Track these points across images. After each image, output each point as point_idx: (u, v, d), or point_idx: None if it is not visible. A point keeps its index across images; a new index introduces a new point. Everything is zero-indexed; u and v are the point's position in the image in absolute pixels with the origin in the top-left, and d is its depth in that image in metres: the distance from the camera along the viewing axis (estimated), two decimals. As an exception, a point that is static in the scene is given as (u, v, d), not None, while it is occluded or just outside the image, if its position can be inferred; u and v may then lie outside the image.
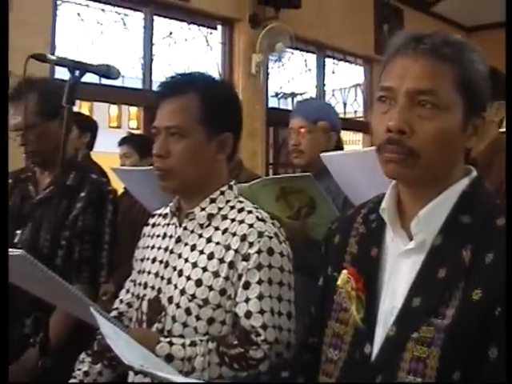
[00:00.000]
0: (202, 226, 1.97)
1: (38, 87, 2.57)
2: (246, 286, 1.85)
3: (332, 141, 3.14)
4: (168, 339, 1.82)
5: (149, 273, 2.05)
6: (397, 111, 1.39)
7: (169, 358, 1.78)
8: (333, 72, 9.50)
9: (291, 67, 8.84)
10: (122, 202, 4.44)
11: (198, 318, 1.88)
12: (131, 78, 7.10)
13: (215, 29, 7.83)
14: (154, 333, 1.90)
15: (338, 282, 1.50)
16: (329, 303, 1.57)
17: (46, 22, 5.93)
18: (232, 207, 1.98)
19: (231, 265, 1.87)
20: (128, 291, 2.23)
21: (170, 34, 7.33)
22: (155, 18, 7.17)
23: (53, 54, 5.80)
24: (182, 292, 1.91)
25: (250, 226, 1.89)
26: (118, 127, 9.49)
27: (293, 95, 8.95)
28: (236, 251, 1.87)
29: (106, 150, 6.55)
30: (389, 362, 1.37)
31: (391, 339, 1.39)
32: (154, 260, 2.06)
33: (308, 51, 9.07)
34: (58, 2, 6.21)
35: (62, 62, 1.96)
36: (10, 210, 2.61)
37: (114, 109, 9.59)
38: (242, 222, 1.91)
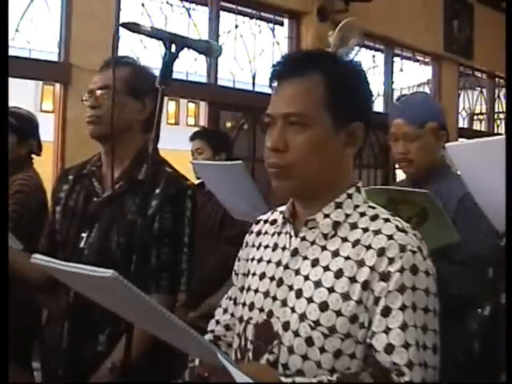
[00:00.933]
0: (325, 236, 1.62)
1: (134, 64, 2.35)
2: (386, 312, 1.49)
3: (442, 141, 2.77)
4: (290, 379, 1.47)
5: (256, 291, 1.71)
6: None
7: None
8: (401, 70, 9.18)
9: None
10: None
11: (322, 349, 1.53)
12: (194, 73, 6.91)
13: (281, 25, 7.61)
14: (272, 369, 1.56)
15: None
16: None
17: (110, 14, 5.73)
18: (362, 214, 1.63)
19: (365, 285, 1.51)
20: (226, 311, 1.90)
21: (236, 27, 7.13)
22: (221, 12, 6.99)
23: (117, 46, 5.63)
24: (302, 317, 1.56)
25: (389, 237, 1.54)
26: (176, 124, 9.34)
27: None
28: (372, 268, 1.52)
29: (165, 147, 6.36)
30: None
31: None
32: (262, 276, 1.71)
33: (376, 49, 8.77)
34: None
35: (157, 34, 1.66)
36: (72, 209, 2.34)
37: (172, 105, 9.44)
38: (377, 232, 1.56)
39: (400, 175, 7.45)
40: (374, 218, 1.60)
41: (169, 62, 1.65)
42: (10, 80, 6.26)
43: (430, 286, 1.52)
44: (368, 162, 8.48)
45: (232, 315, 1.85)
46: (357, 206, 1.64)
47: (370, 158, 8.46)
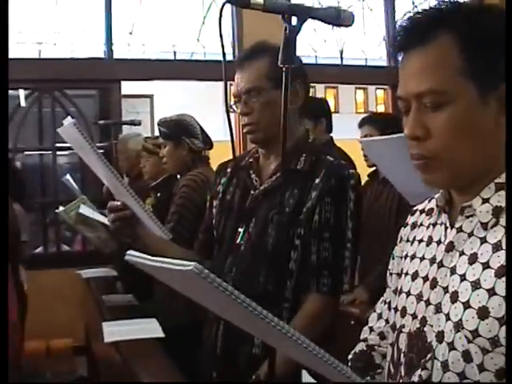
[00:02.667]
0: (485, 226, 1.32)
1: (272, 51, 2.04)
2: None
3: None
4: None
5: (408, 294, 1.46)
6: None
7: None
8: None
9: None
10: (366, 194, 4.07)
11: (481, 367, 1.25)
12: (375, 59, 6.69)
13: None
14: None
15: None
16: None
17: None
18: None
19: None
20: (380, 317, 1.67)
21: (414, 6, 6.80)
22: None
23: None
24: (458, 326, 1.29)
25: None
26: (366, 112, 9.16)
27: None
28: None
29: (354, 137, 6.28)
30: None
31: None
32: (415, 276, 1.46)
33: None
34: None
35: (273, 8, 1.47)
36: (229, 204, 2.25)
37: (360, 94, 9.28)
38: None
39: None
40: None
41: (290, 37, 1.47)
42: (199, 84, 6.43)
43: None
44: None
45: (387, 321, 1.62)
46: None
47: None
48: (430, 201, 1.54)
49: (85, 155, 2.28)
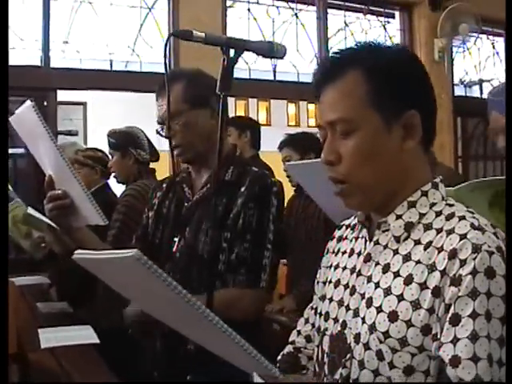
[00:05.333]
0: (397, 239, 1.47)
1: (186, 75, 2.30)
2: (455, 320, 1.31)
3: None
4: None
5: (331, 300, 1.60)
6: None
7: None
8: (524, 54, 8.75)
9: (477, 52, 8.20)
10: (294, 206, 4.25)
11: (391, 365, 1.40)
12: (307, 73, 6.88)
13: (393, 17, 7.45)
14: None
15: None
16: None
17: (217, 22, 5.84)
18: (438, 213, 1.45)
19: (436, 292, 1.34)
20: (307, 321, 1.81)
21: (346, 25, 7.02)
22: (329, 10, 6.93)
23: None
24: (372, 328, 1.43)
25: (462, 237, 1.35)
26: (297, 125, 9.34)
27: (480, 82, 8.31)
28: (443, 273, 1.34)
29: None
30: None
31: None
32: (337, 284, 1.61)
33: (495, 34, 8.40)
34: (228, 3, 6.12)
35: (212, 40, 1.61)
36: (165, 216, 2.40)
37: (292, 107, 9.45)
38: (451, 232, 1.38)
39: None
40: (450, 216, 1.44)
41: (228, 67, 1.61)
42: (135, 95, 6.48)
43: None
44: (493, 154, 8.15)
45: (313, 326, 1.75)
46: (433, 205, 1.48)
47: (496, 149, 8.10)
48: (355, 217, 1.68)
49: (33, 142, 2.30)
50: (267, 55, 1.67)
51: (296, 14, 6.68)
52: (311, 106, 8.59)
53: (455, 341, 1.30)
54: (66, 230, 2.29)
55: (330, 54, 1.55)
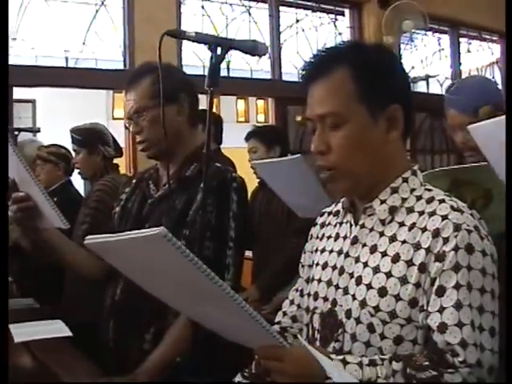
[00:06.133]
0: (383, 222, 1.62)
1: (155, 70, 2.19)
2: (440, 291, 1.47)
3: None
4: (341, 357, 1.49)
5: (319, 281, 1.73)
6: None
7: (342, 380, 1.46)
8: (468, 51, 9.01)
9: (424, 48, 8.41)
10: (258, 199, 4.31)
11: (382, 336, 1.54)
12: (258, 70, 6.96)
13: (343, 15, 7.58)
14: (322, 349, 1.56)
15: None
16: None
17: (171, 19, 5.86)
18: (419, 197, 1.61)
19: (422, 268, 1.50)
20: (292, 302, 1.92)
21: (297, 21, 7.14)
22: (281, 7, 7.06)
23: (180, 48, 5.74)
24: (363, 304, 1.57)
25: (444, 217, 1.52)
26: (246, 122, 9.40)
27: (427, 78, 8.51)
28: (427, 250, 1.51)
29: (235, 146, 6.45)
30: None
31: None
32: (325, 266, 1.74)
33: (441, 31, 8.63)
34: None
35: (202, 39, 1.68)
36: (128, 212, 2.40)
37: (241, 103, 9.49)
38: (432, 213, 1.55)
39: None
40: (430, 200, 1.59)
41: (215, 64, 1.67)
42: (83, 91, 6.45)
43: (487, 266, 1.49)
44: (440, 148, 8.38)
45: (298, 307, 1.87)
46: (413, 190, 1.63)
47: (442, 143, 8.33)
48: (336, 204, 1.83)
49: None
50: (251, 53, 1.74)
51: (249, 11, 6.76)
52: (260, 102, 8.66)
53: (441, 309, 1.46)
54: (32, 231, 2.27)
55: (318, 52, 1.67)
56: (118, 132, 4.82)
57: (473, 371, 1.42)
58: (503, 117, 2.27)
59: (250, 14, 6.77)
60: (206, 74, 1.69)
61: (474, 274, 1.47)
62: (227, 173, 2.27)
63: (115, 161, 3.89)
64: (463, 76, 8.82)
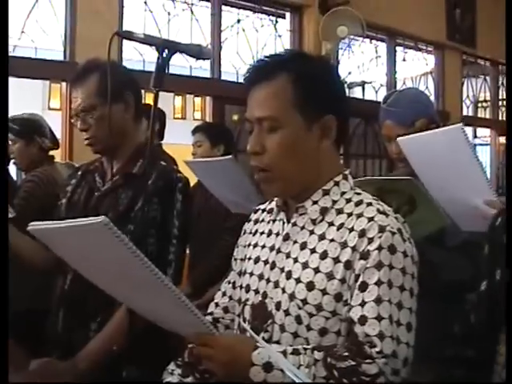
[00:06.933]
0: (314, 221, 1.73)
1: (101, 68, 2.29)
2: (363, 287, 1.60)
3: None
4: (268, 345, 1.60)
5: (251, 274, 1.82)
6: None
7: (267, 367, 1.56)
8: (403, 59, 9.24)
9: (361, 55, 8.60)
10: (197, 196, 4.33)
11: (308, 327, 1.65)
12: (198, 68, 6.99)
13: (283, 17, 7.68)
14: (249, 338, 1.66)
15: None
16: (498, 313, 1.35)
17: (114, 12, 5.85)
18: (348, 200, 1.73)
19: (348, 265, 1.62)
20: (225, 294, 2.00)
21: (238, 21, 7.21)
22: (223, 7, 7.10)
23: (121, 43, 5.74)
24: (292, 297, 1.67)
25: (370, 219, 1.64)
26: (183, 118, 9.40)
27: (363, 84, 8.70)
28: (353, 249, 1.63)
29: (171, 142, 6.46)
30: None
31: None
32: (257, 260, 1.83)
33: (378, 39, 8.83)
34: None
35: (150, 41, 1.76)
36: (75, 203, 2.43)
37: (178, 100, 9.49)
38: (360, 215, 1.66)
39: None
40: (359, 203, 1.71)
41: (162, 65, 1.76)
42: (18, 80, 6.38)
43: (407, 266, 1.62)
44: (373, 153, 8.58)
45: (230, 298, 1.96)
46: (344, 193, 1.74)
47: (375, 148, 8.53)
48: (270, 202, 1.93)
49: None
50: (196, 57, 1.83)
51: (191, 9, 6.80)
52: (197, 100, 8.67)
53: (363, 303, 1.58)
54: None
55: (262, 58, 1.77)
56: (54, 122, 4.81)
57: (388, 362, 1.54)
58: (432, 131, 2.39)
59: (192, 12, 6.80)
60: (149, 71, 1.76)
61: (394, 273, 1.60)
62: (173, 173, 2.37)
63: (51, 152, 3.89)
64: (398, 84, 9.06)
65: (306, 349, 1.58)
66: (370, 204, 1.70)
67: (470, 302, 1.54)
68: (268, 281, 1.75)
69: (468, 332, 1.50)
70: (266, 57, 1.78)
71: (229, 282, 2.00)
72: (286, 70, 1.70)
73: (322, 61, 1.85)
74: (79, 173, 2.53)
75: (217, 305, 2.00)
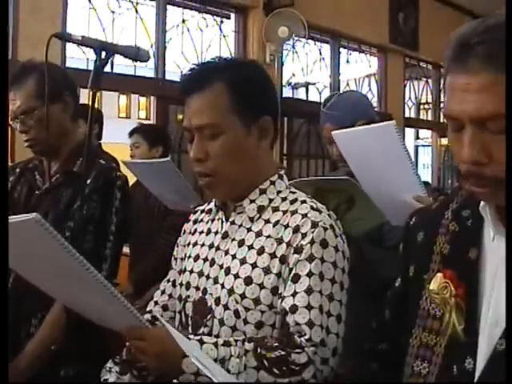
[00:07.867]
0: (251, 219, 1.79)
1: (38, 70, 2.28)
2: (295, 278, 1.67)
3: None
4: (198, 337, 1.66)
5: (191, 272, 1.88)
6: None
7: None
8: (347, 61, 9.37)
9: (305, 56, 8.69)
10: (136, 194, 4.34)
11: (245, 321, 1.71)
12: (143, 67, 6.98)
13: (228, 18, 7.71)
14: (178, 331, 1.69)
15: (432, 287, 1.36)
16: (411, 308, 1.40)
17: (57, 10, 5.80)
18: (284, 198, 1.80)
19: (283, 259, 1.69)
20: (164, 292, 2.04)
21: (183, 21, 7.22)
22: (168, 6, 7.10)
23: (64, 42, 5.69)
24: (230, 292, 1.73)
25: (304, 216, 1.71)
26: (128, 117, 9.36)
27: (307, 85, 8.79)
28: (288, 244, 1.70)
29: (116, 141, 6.44)
30: (497, 378, 1.20)
31: (500, 354, 1.21)
32: (196, 258, 1.88)
33: (322, 41, 8.93)
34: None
35: (88, 42, 1.79)
36: (16, 201, 2.42)
37: (123, 99, 9.44)
38: (294, 212, 1.74)
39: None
40: (294, 201, 1.78)
41: (99, 67, 1.78)
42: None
43: (338, 260, 1.70)
44: (316, 153, 8.66)
45: (170, 296, 2.00)
46: (279, 192, 1.81)
47: (318, 148, 8.61)
48: (208, 203, 1.98)
49: None
50: (133, 58, 1.86)
51: (135, 8, 6.78)
52: (142, 99, 8.64)
53: (294, 294, 1.65)
54: None
55: (195, 66, 1.81)
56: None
57: (317, 351, 1.61)
58: (365, 126, 2.45)
59: (136, 11, 6.78)
60: (91, 74, 1.77)
61: (326, 266, 1.67)
62: (112, 171, 2.42)
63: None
64: (342, 85, 9.18)
65: (236, 340, 1.64)
66: (304, 202, 1.77)
67: (386, 298, 1.60)
68: (208, 277, 1.81)
69: (382, 327, 1.56)
70: (199, 65, 1.83)
71: (168, 281, 2.04)
72: (221, 78, 1.75)
73: (253, 65, 1.92)
74: (17, 170, 2.52)
75: (156, 303, 2.03)
